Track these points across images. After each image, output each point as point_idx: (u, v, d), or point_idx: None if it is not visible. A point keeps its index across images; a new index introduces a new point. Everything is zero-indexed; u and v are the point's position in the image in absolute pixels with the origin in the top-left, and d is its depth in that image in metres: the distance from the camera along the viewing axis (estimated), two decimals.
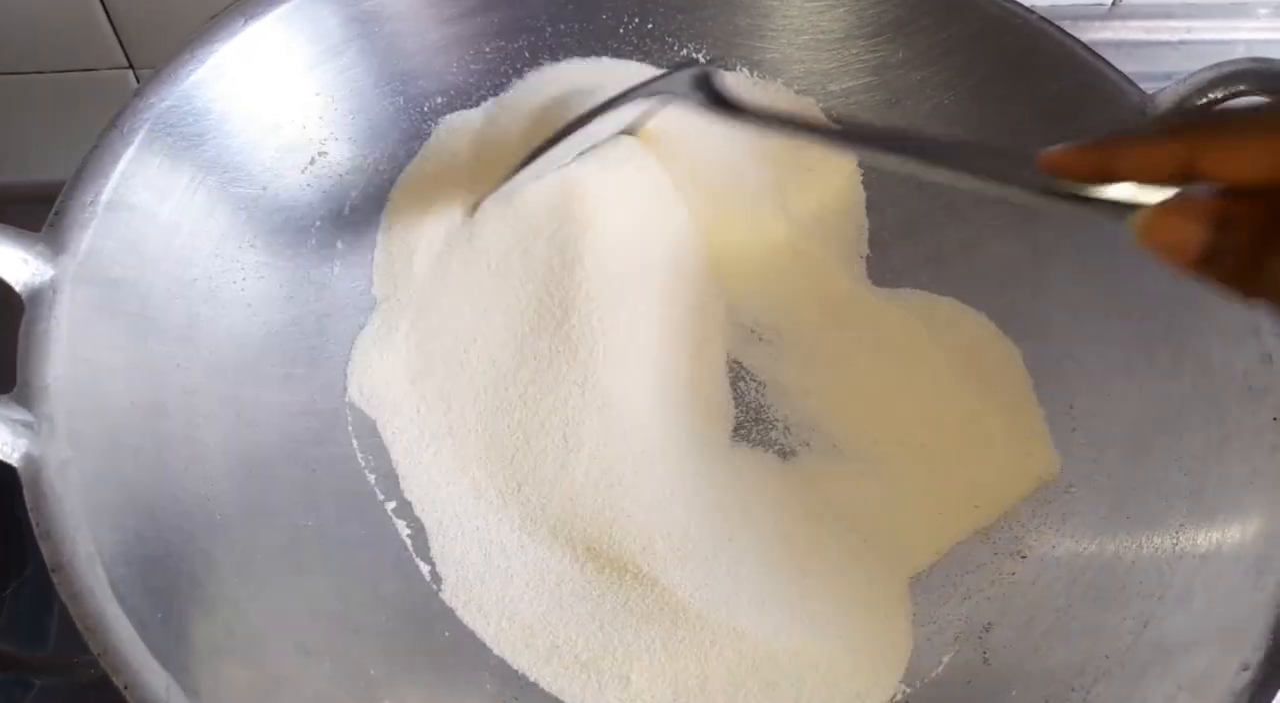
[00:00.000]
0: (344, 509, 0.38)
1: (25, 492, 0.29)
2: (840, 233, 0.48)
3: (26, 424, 0.30)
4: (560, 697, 0.37)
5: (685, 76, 0.39)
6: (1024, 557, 0.39)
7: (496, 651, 0.38)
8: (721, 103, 0.38)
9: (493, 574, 0.39)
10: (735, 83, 0.47)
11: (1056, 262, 0.44)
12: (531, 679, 0.37)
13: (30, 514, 0.29)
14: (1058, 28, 0.44)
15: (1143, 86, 0.42)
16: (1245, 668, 0.31)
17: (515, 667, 0.38)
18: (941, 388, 0.44)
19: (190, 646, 0.29)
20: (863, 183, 0.49)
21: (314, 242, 0.42)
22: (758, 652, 0.38)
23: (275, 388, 0.39)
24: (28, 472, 0.29)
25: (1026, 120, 0.45)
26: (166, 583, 0.30)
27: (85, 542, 0.29)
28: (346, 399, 0.41)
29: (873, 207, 0.49)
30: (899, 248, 0.48)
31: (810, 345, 0.46)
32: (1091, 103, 0.44)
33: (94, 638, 0.27)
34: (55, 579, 0.28)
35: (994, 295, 0.46)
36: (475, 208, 0.44)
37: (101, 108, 0.36)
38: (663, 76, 0.41)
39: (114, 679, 0.27)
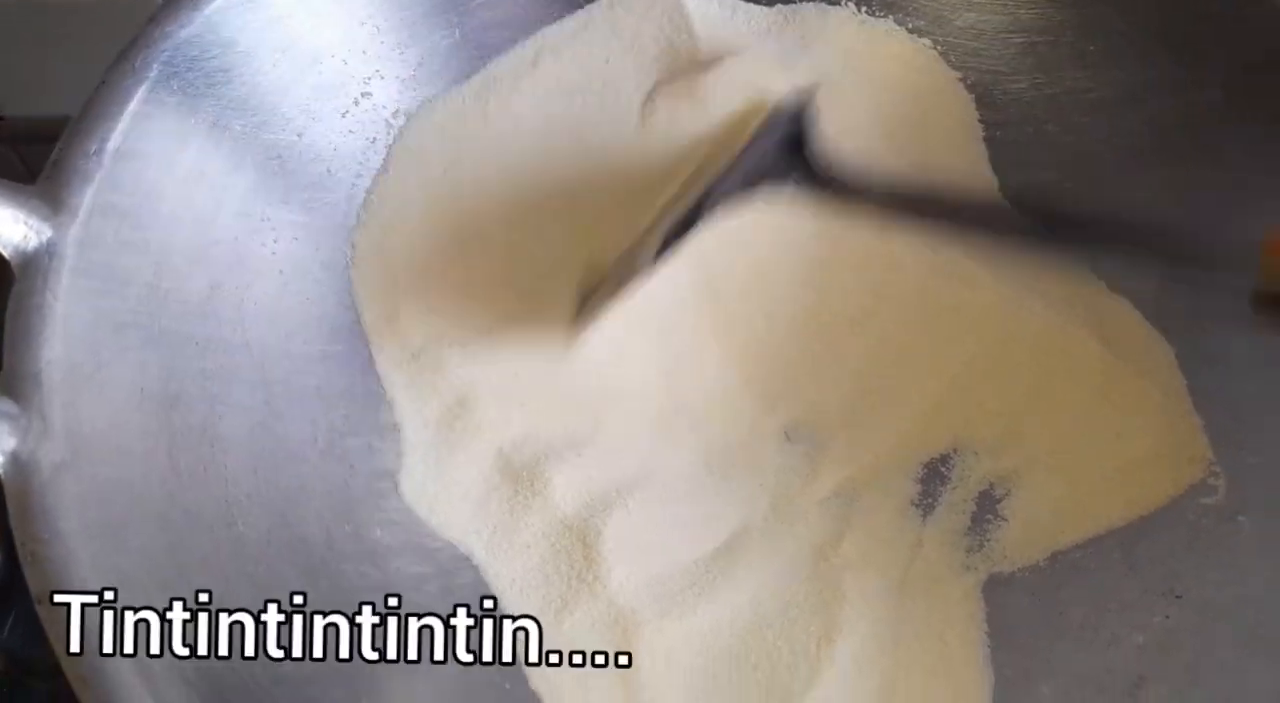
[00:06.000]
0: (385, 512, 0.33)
1: (9, 504, 0.24)
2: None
3: (13, 419, 0.25)
4: None
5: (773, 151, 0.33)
6: (1179, 597, 0.33)
7: None
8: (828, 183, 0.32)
9: None
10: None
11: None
12: None
13: (14, 534, 0.24)
14: None
15: None
16: None
17: None
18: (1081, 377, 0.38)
19: (199, 694, 0.24)
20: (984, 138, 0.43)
21: (356, 198, 0.37)
22: None
23: (310, 370, 0.34)
24: (12, 479, 0.24)
25: (1192, 85, 0.38)
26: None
27: (80, 569, 0.24)
28: None
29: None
30: None
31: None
32: None
33: (87, 691, 0.23)
34: (41, 614, 0.23)
35: (1142, 282, 0.39)
36: None
37: (116, 33, 0.31)
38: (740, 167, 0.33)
39: None
